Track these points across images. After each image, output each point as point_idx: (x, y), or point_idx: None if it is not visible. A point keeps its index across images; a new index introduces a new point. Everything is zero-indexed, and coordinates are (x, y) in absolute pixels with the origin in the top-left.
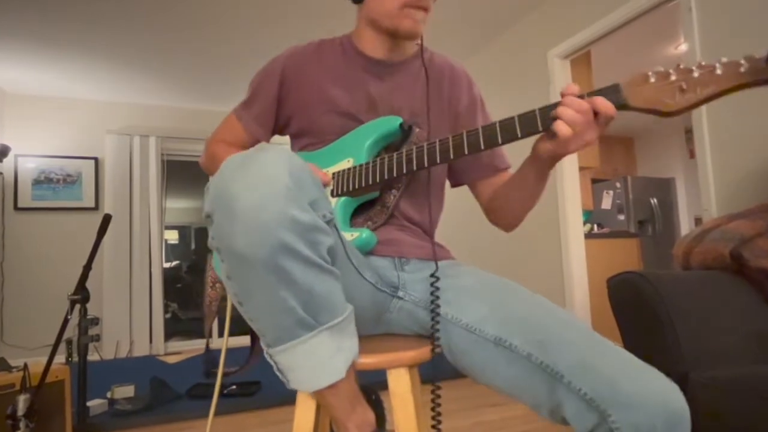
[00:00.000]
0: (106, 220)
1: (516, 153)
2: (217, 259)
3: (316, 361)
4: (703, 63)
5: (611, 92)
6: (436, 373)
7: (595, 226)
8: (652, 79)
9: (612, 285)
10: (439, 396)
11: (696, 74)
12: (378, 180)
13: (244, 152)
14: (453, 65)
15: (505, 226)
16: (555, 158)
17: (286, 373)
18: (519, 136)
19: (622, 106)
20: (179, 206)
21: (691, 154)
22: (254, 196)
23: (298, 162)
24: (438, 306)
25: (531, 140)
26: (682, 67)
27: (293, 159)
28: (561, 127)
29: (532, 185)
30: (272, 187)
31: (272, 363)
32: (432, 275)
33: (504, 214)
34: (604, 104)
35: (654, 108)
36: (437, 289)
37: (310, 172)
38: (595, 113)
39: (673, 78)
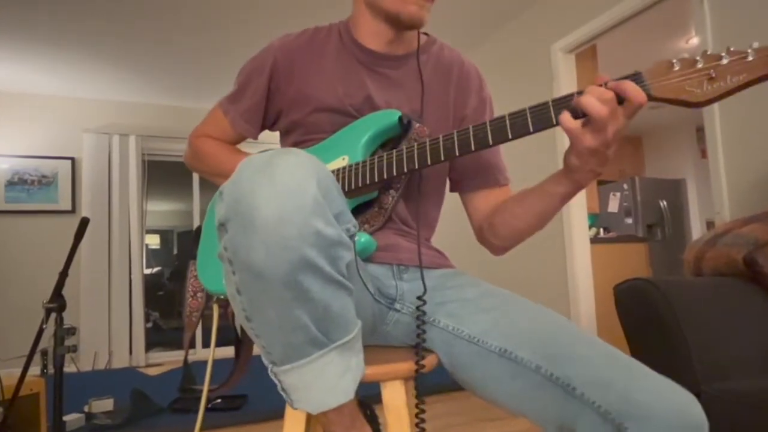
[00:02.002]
0: (84, 223)
1: (517, 168)
2: (215, 271)
3: (326, 381)
4: (733, 49)
5: (632, 81)
6: (422, 389)
7: (601, 231)
8: (677, 67)
9: (619, 292)
10: (423, 411)
11: (725, 61)
12: (376, 180)
13: (264, 154)
14: (464, 62)
15: (498, 247)
16: (583, 166)
17: (290, 393)
18: (531, 130)
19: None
20: (161, 209)
21: (703, 154)
22: (278, 208)
23: (325, 169)
24: (423, 319)
25: (537, 163)
26: (709, 53)
27: (320, 165)
28: (566, 118)
29: (554, 201)
30: (298, 197)
31: (276, 381)
32: (420, 298)
33: (503, 231)
34: (632, 89)
35: (679, 99)
36: (424, 304)
37: (335, 180)
38: (621, 100)
39: (700, 65)
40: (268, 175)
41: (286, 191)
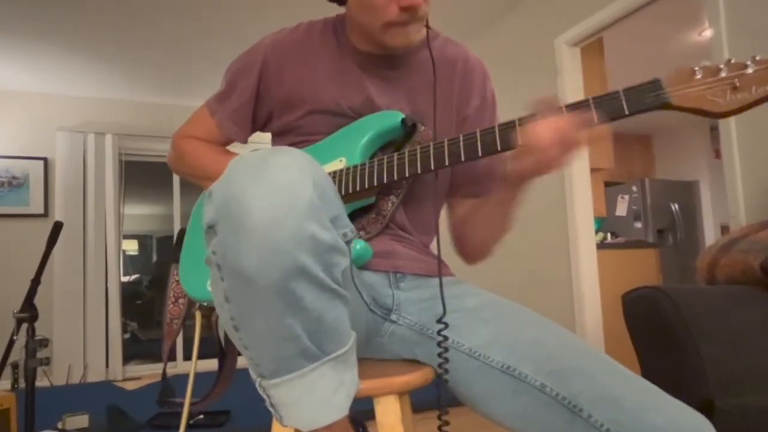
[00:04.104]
0: (57, 228)
1: None
2: (199, 277)
3: (318, 396)
4: (759, 57)
5: (650, 89)
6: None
7: (609, 236)
8: (699, 75)
9: (628, 301)
10: (447, 423)
11: (751, 70)
12: (375, 184)
13: (257, 153)
14: (468, 57)
15: (468, 255)
16: (519, 181)
17: (279, 409)
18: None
19: (663, 105)
20: (139, 213)
21: (717, 154)
22: (270, 210)
23: (321, 170)
24: (445, 322)
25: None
26: (734, 61)
27: (316, 166)
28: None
29: (507, 208)
30: (293, 199)
31: (264, 396)
32: (440, 321)
33: (468, 245)
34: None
35: (701, 108)
36: (445, 327)
37: (332, 182)
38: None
39: (723, 74)
40: (261, 175)
41: (280, 192)
